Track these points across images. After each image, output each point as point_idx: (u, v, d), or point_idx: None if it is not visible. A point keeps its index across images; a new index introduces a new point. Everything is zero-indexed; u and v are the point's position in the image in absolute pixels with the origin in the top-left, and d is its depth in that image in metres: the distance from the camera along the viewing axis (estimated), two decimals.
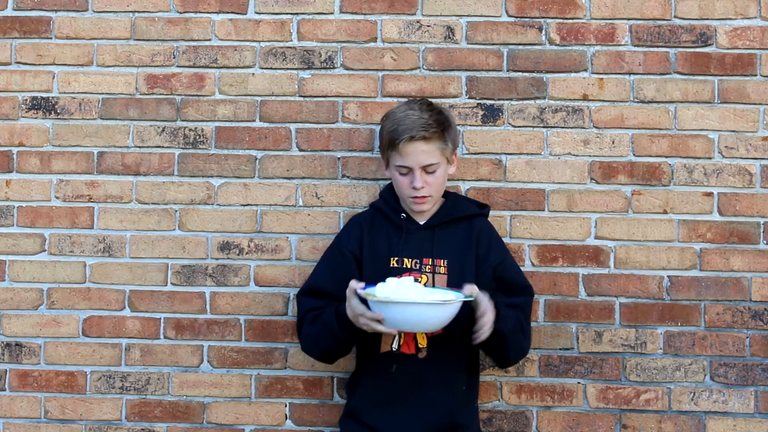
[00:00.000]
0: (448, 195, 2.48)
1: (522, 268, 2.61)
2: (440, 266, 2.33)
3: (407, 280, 2.17)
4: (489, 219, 2.55)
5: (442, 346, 2.31)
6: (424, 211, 2.38)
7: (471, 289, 2.15)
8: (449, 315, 2.15)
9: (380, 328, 2.14)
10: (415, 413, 2.28)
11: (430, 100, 2.44)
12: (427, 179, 2.31)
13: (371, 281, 2.24)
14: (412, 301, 2.11)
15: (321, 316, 2.33)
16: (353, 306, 2.18)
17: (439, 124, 2.31)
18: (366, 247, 2.38)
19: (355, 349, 2.49)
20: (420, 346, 2.31)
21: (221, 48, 2.74)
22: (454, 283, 2.29)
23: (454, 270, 2.34)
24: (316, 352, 2.39)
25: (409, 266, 2.33)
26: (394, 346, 2.32)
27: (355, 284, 2.18)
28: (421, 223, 2.40)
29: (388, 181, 2.50)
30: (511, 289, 2.39)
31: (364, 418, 2.33)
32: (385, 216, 2.43)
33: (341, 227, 2.62)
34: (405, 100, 2.56)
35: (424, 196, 2.33)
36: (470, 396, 2.41)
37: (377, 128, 2.55)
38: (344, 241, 2.44)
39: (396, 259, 2.34)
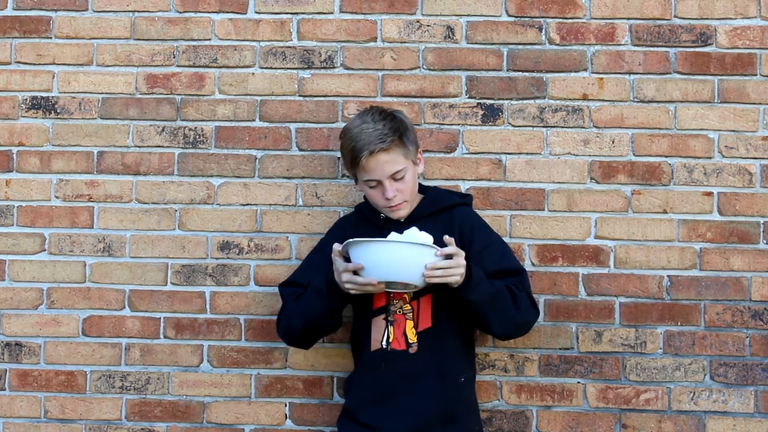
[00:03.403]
0: (426, 190, 2.49)
1: None
2: None
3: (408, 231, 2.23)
4: (490, 218, 2.57)
5: (433, 340, 2.31)
6: (402, 217, 2.39)
7: (449, 240, 2.19)
8: (428, 260, 2.16)
9: (360, 279, 2.18)
10: (410, 407, 2.29)
11: (381, 107, 2.41)
12: (397, 186, 2.32)
13: None
14: (387, 240, 2.17)
15: (307, 289, 2.36)
16: (337, 265, 2.22)
17: (395, 131, 2.30)
18: None
19: (351, 349, 2.50)
20: (410, 341, 2.32)
21: (221, 48, 2.74)
22: None
23: None
24: (299, 327, 2.38)
25: None
26: (384, 343, 2.33)
27: (337, 245, 2.23)
28: (402, 219, 2.40)
29: None
30: (501, 275, 2.36)
31: (360, 417, 2.34)
32: (367, 217, 2.45)
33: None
34: (361, 110, 2.53)
35: (399, 203, 2.34)
36: (467, 388, 2.41)
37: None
38: (328, 242, 2.45)
39: None
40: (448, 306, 2.29)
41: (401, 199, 2.33)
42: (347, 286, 2.21)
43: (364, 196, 2.49)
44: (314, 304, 2.33)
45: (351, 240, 2.19)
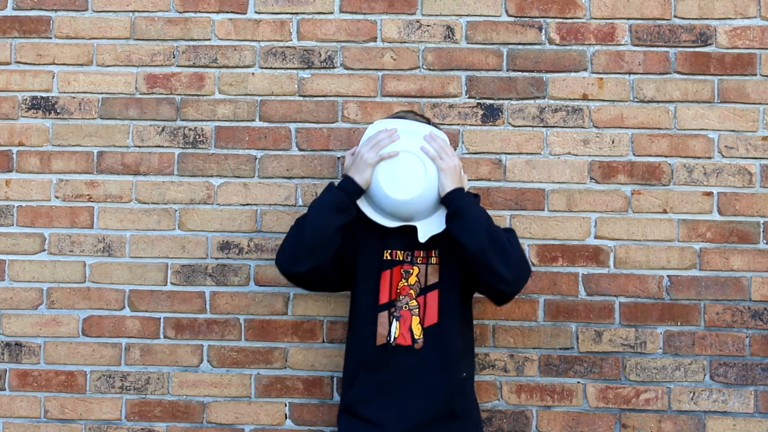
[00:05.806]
0: None
1: None
2: (432, 256, 2.35)
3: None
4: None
5: (438, 336, 2.31)
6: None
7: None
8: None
9: (380, 136, 2.28)
10: (414, 403, 2.29)
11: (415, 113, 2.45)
12: None
13: (365, 276, 2.33)
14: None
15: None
16: (354, 154, 2.34)
17: None
18: (360, 243, 2.40)
19: (346, 343, 2.48)
20: (416, 337, 2.32)
21: (221, 48, 2.74)
22: (447, 273, 2.32)
23: (446, 259, 2.35)
24: (309, 238, 2.27)
25: (401, 258, 2.35)
26: (390, 338, 2.33)
27: (349, 152, 2.38)
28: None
29: None
30: None
31: (362, 412, 2.33)
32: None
33: None
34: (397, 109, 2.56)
35: None
36: (468, 383, 2.41)
37: None
38: None
39: (388, 252, 2.36)
40: (453, 299, 2.31)
41: None
42: (368, 155, 2.28)
43: None
44: (324, 197, 2.31)
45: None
